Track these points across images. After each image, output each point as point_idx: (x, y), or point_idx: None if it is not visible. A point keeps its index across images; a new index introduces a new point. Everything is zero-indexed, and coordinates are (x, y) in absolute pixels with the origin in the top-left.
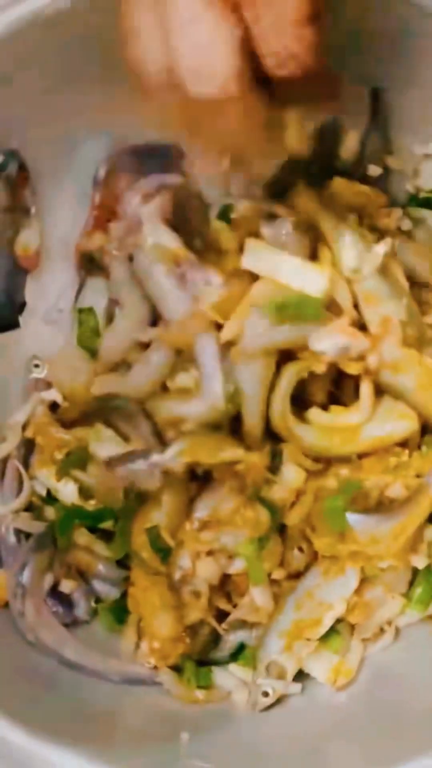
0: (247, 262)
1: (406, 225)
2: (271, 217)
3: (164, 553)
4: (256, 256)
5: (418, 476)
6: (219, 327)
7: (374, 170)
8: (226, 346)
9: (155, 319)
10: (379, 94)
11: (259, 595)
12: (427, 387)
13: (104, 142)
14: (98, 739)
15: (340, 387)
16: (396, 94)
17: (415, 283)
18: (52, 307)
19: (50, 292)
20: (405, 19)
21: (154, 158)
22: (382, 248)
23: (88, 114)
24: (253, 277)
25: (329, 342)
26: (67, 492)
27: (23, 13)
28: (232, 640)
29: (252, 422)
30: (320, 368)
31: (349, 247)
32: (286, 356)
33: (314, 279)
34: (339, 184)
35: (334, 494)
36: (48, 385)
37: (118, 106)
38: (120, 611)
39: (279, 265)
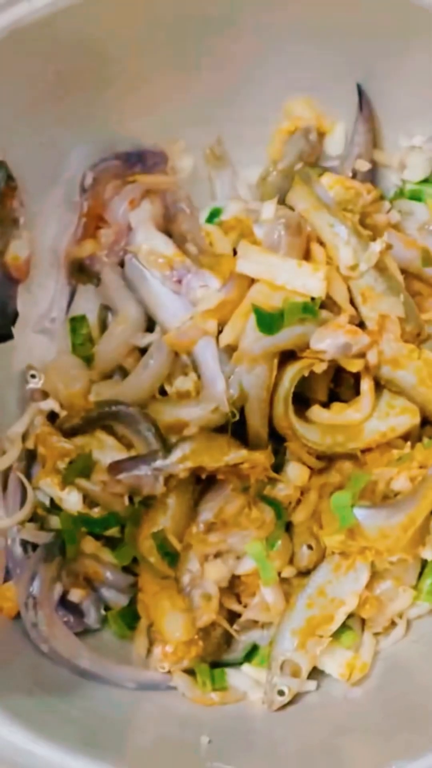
0: (242, 265)
1: (395, 218)
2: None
3: (171, 557)
4: (251, 260)
5: (421, 468)
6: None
7: (362, 165)
8: (227, 350)
9: (150, 324)
10: (364, 88)
11: (269, 595)
12: (426, 381)
13: (90, 150)
14: (117, 747)
15: (340, 384)
16: (381, 89)
17: (405, 274)
18: (44, 317)
19: (42, 302)
20: (391, 14)
21: (141, 164)
22: (378, 245)
23: (74, 123)
24: (250, 280)
25: (330, 341)
26: (72, 500)
27: (6, 24)
28: (244, 640)
29: (256, 424)
30: (321, 367)
31: (345, 244)
32: (287, 355)
33: (310, 280)
34: (330, 180)
35: (341, 490)
36: (45, 394)
37: (102, 114)
38: (130, 618)
39: (274, 267)
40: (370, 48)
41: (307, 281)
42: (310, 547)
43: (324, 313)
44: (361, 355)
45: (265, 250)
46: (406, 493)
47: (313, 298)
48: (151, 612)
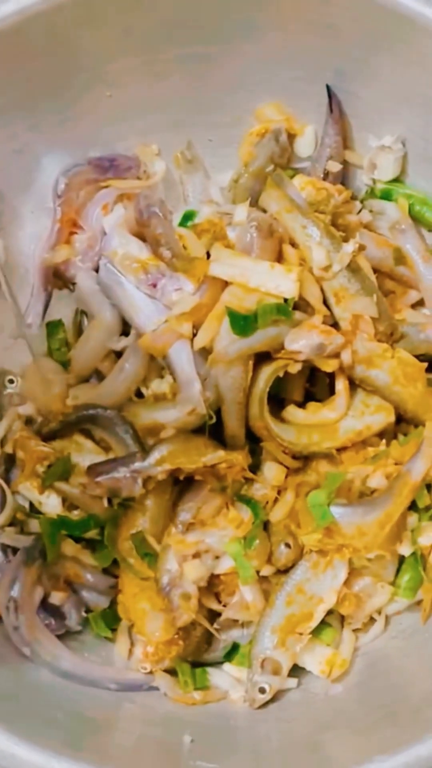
0: (215, 269)
1: (367, 217)
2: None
3: (151, 557)
4: (223, 263)
5: (397, 464)
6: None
7: (333, 166)
8: (202, 352)
9: (126, 327)
10: (334, 90)
11: (248, 593)
12: (400, 380)
13: (63, 156)
14: (100, 748)
15: (315, 384)
16: (350, 90)
17: (378, 273)
18: (20, 322)
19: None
20: (359, 17)
21: (113, 169)
22: (350, 246)
23: (46, 129)
24: (224, 282)
25: (304, 341)
26: (51, 504)
27: None
28: (225, 639)
29: (233, 425)
30: (295, 368)
31: (318, 245)
32: (262, 356)
33: (283, 281)
34: (301, 181)
35: (317, 489)
36: (22, 399)
37: (75, 120)
38: (111, 619)
39: (247, 270)
40: (339, 50)
41: (279, 283)
42: (287, 545)
43: (298, 314)
44: (336, 355)
45: (238, 253)
46: (382, 490)
47: (286, 300)
48: (131, 613)
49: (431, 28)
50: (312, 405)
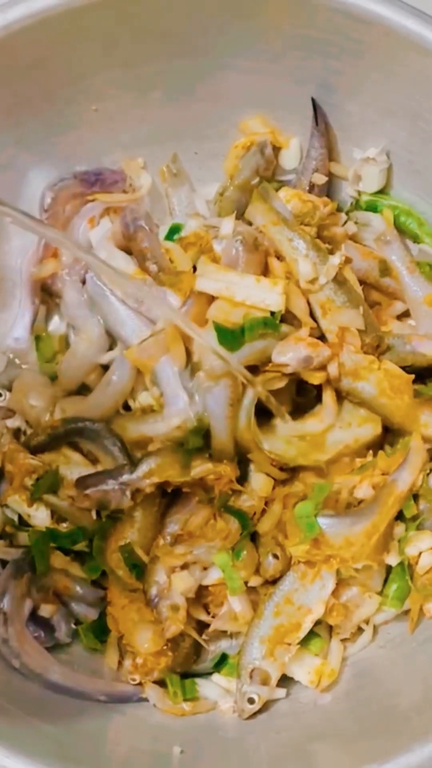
0: (201, 283)
1: (352, 229)
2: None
3: (139, 569)
4: (209, 277)
5: (384, 475)
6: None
7: (319, 179)
8: (190, 367)
9: (113, 341)
10: (319, 103)
11: (237, 604)
12: (386, 392)
13: (49, 170)
14: (89, 760)
15: (303, 396)
16: (335, 103)
17: (364, 284)
18: (8, 335)
19: (5, 321)
20: (344, 29)
21: (99, 183)
22: (337, 258)
23: (32, 143)
24: (210, 296)
25: (291, 354)
26: (40, 516)
27: None
28: (214, 650)
29: (221, 439)
30: (277, 385)
31: (304, 258)
32: (250, 369)
33: (269, 294)
34: (287, 194)
35: (304, 500)
36: (11, 412)
37: (61, 134)
38: (100, 631)
39: (232, 284)
40: (324, 63)
41: (265, 296)
42: (275, 556)
43: (284, 327)
44: (322, 367)
45: (224, 267)
46: (368, 501)
47: (272, 313)
48: (119, 625)
49: (415, 42)
50: (300, 417)
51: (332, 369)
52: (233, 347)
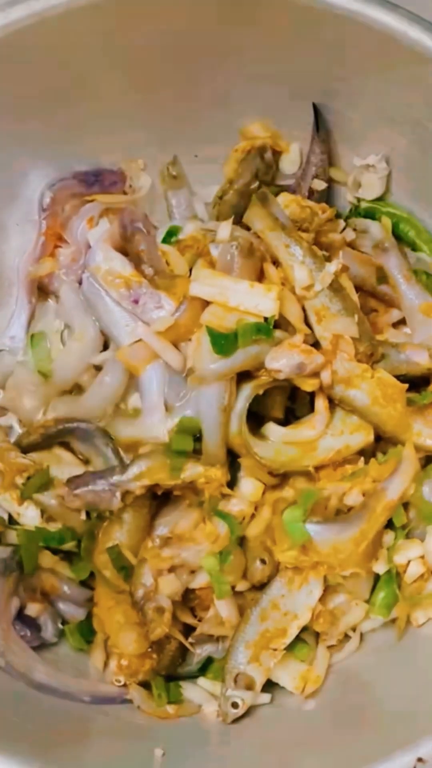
0: (195, 288)
1: (351, 236)
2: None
3: (126, 570)
4: (203, 282)
5: (375, 482)
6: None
7: (319, 184)
8: (181, 372)
9: (106, 341)
10: (320, 109)
11: (223, 608)
12: (379, 400)
13: (49, 170)
14: (71, 760)
15: (296, 402)
16: (336, 109)
17: (360, 291)
18: (3, 334)
19: (1, 319)
20: (346, 36)
21: (99, 183)
22: (333, 266)
23: (32, 143)
24: (205, 302)
25: (284, 360)
26: (30, 515)
27: None
28: (199, 653)
29: (213, 444)
30: (265, 387)
31: (300, 264)
32: (243, 374)
33: (263, 300)
34: (285, 200)
35: (293, 506)
36: (3, 410)
37: (61, 134)
38: (87, 631)
39: (226, 289)
40: (326, 69)
41: (259, 302)
42: (263, 561)
43: (278, 333)
44: (316, 374)
45: (218, 273)
46: (358, 508)
47: (266, 319)
48: (105, 625)
49: (416, 49)
50: (292, 423)
51: (325, 376)
52: (226, 352)
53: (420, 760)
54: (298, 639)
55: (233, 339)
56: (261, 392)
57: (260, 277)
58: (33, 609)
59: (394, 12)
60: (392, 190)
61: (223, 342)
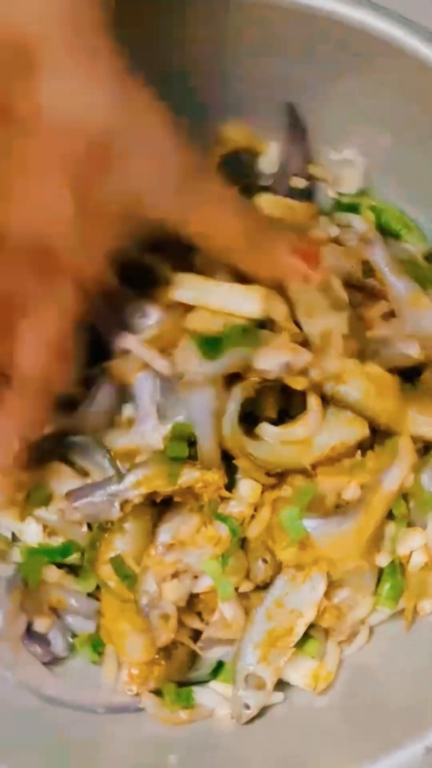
0: (178, 294)
1: (334, 231)
2: None
3: (130, 579)
4: (187, 287)
5: (373, 475)
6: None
7: (299, 182)
8: (171, 378)
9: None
10: (295, 106)
11: (228, 610)
12: (371, 395)
13: None
14: None
15: (290, 400)
16: (312, 107)
17: (347, 286)
18: None
19: None
20: (323, 33)
21: None
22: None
23: None
24: (190, 306)
25: (272, 360)
26: (32, 532)
27: None
28: (209, 657)
29: (207, 448)
30: (258, 385)
31: None
32: (234, 375)
33: (245, 301)
34: (265, 200)
35: (290, 504)
36: None
37: None
38: (97, 643)
39: (210, 293)
40: (303, 67)
41: (241, 303)
42: (265, 561)
43: (266, 333)
44: (305, 372)
45: (201, 276)
46: (354, 502)
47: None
48: (112, 635)
49: (396, 47)
50: (285, 422)
51: (314, 373)
52: (213, 356)
53: (429, 749)
54: (307, 636)
55: (220, 342)
56: (252, 393)
57: (246, 278)
58: (41, 625)
59: (374, 10)
60: (375, 184)
61: (210, 346)
